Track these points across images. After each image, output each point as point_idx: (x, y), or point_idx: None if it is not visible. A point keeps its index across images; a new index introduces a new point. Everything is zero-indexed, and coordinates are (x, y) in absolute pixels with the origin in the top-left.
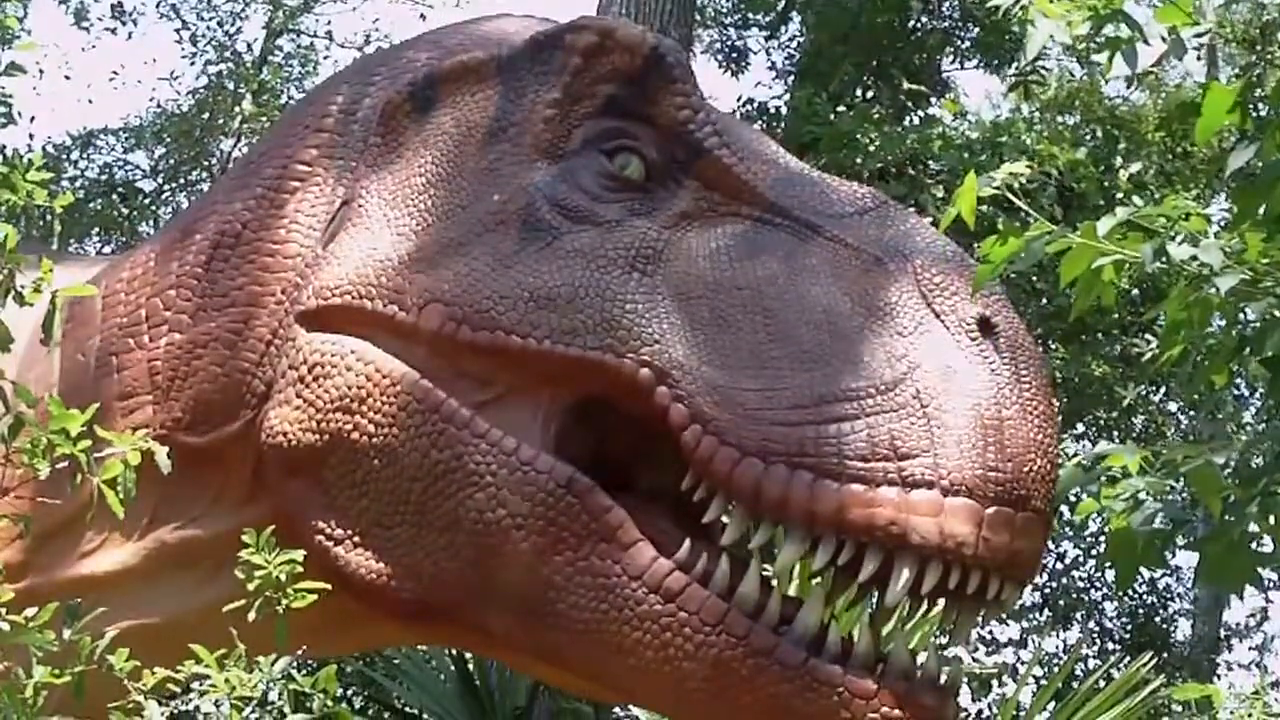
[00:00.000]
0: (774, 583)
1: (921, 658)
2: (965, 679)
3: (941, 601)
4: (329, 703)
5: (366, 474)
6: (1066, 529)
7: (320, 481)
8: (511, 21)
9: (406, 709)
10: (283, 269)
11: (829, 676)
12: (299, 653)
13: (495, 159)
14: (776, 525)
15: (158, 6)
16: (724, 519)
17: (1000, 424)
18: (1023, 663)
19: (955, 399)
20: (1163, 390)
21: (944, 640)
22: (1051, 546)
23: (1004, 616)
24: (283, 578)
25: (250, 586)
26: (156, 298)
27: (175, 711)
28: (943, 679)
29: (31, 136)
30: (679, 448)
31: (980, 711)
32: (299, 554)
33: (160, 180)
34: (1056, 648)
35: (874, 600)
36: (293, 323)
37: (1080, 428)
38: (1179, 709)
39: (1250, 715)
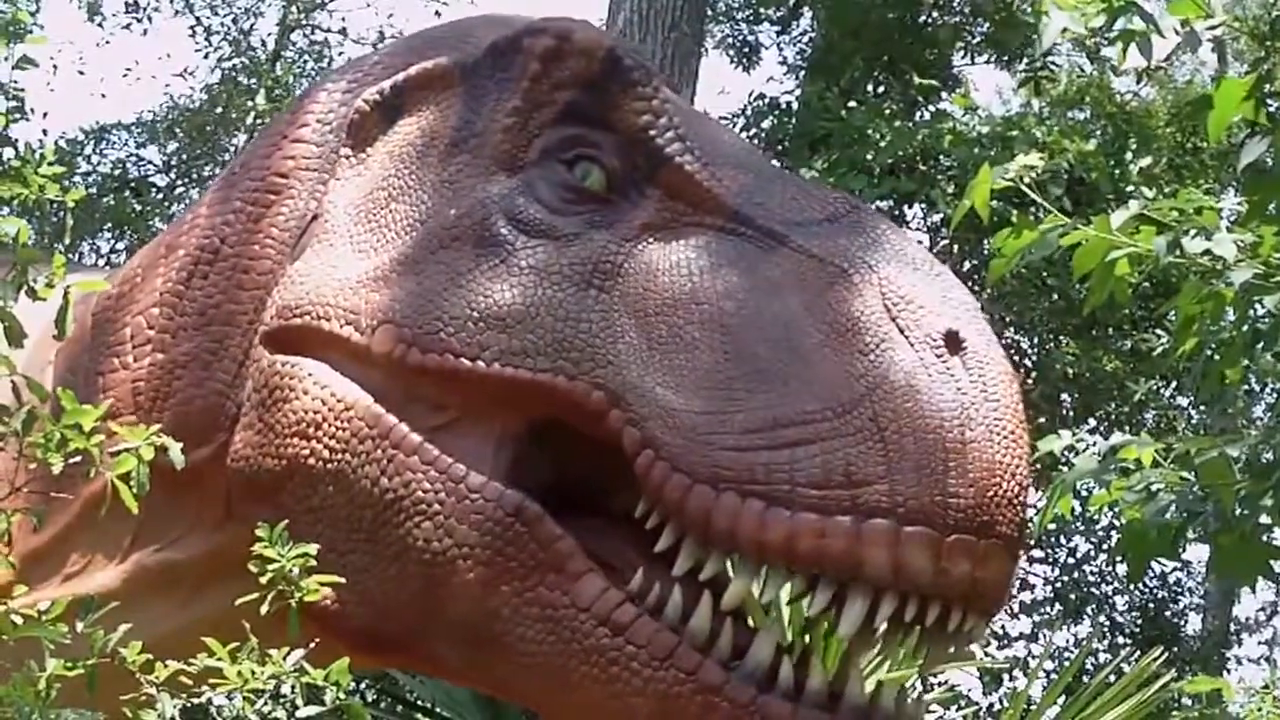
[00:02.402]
0: (751, 616)
1: (874, 691)
2: (977, 674)
3: (917, 631)
4: (341, 695)
5: (322, 501)
6: (1078, 523)
7: (280, 506)
8: (491, 23)
9: (419, 703)
10: (255, 286)
11: (779, 714)
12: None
13: (456, 171)
14: (728, 555)
15: (172, 2)
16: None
17: (963, 446)
18: (1034, 657)
19: (915, 421)
20: (1174, 385)
21: (914, 672)
22: (1063, 540)
23: (1014, 610)
24: (295, 571)
25: (263, 580)
26: (140, 315)
27: (187, 704)
28: (901, 714)
29: (45, 132)
30: (633, 473)
31: (991, 705)
32: (312, 548)
33: (173, 176)
34: (1067, 641)
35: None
36: (258, 343)
37: (1091, 423)
38: (1189, 703)
39: (1260, 710)
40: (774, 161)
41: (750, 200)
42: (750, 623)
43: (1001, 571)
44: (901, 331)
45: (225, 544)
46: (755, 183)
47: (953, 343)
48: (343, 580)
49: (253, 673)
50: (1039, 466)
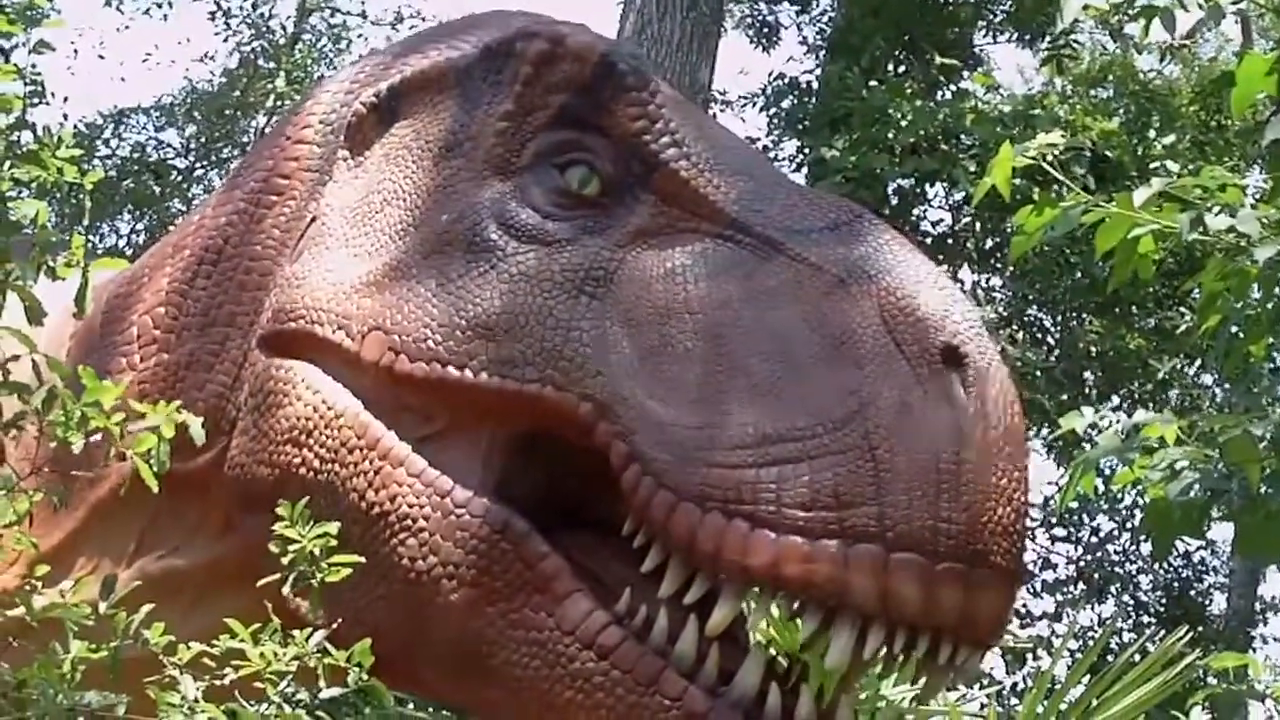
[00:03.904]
0: (751, 637)
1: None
2: (1000, 653)
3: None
4: (364, 676)
5: (315, 513)
6: (1101, 501)
7: (275, 518)
8: (497, 20)
9: None
10: (256, 287)
11: None
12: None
13: (449, 175)
14: (714, 577)
15: None
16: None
17: (957, 468)
18: (1057, 636)
19: (908, 440)
20: (1198, 363)
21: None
22: (1086, 519)
23: (1037, 589)
24: (316, 551)
25: (284, 560)
26: (147, 315)
27: (210, 685)
28: None
29: (65, 116)
30: (622, 488)
31: (1015, 684)
32: (333, 526)
33: (192, 158)
34: (1091, 621)
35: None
36: (254, 345)
37: (1115, 400)
38: (1214, 680)
39: None
40: (794, 142)
41: (749, 207)
42: (751, 639)
43: (995, 603)
44: (899, 346)
45: (226, 553)
46: (755, 189)
47: (952, 359)
48: (363, 559)
49: (275, 654)
50: (1061, 443)
